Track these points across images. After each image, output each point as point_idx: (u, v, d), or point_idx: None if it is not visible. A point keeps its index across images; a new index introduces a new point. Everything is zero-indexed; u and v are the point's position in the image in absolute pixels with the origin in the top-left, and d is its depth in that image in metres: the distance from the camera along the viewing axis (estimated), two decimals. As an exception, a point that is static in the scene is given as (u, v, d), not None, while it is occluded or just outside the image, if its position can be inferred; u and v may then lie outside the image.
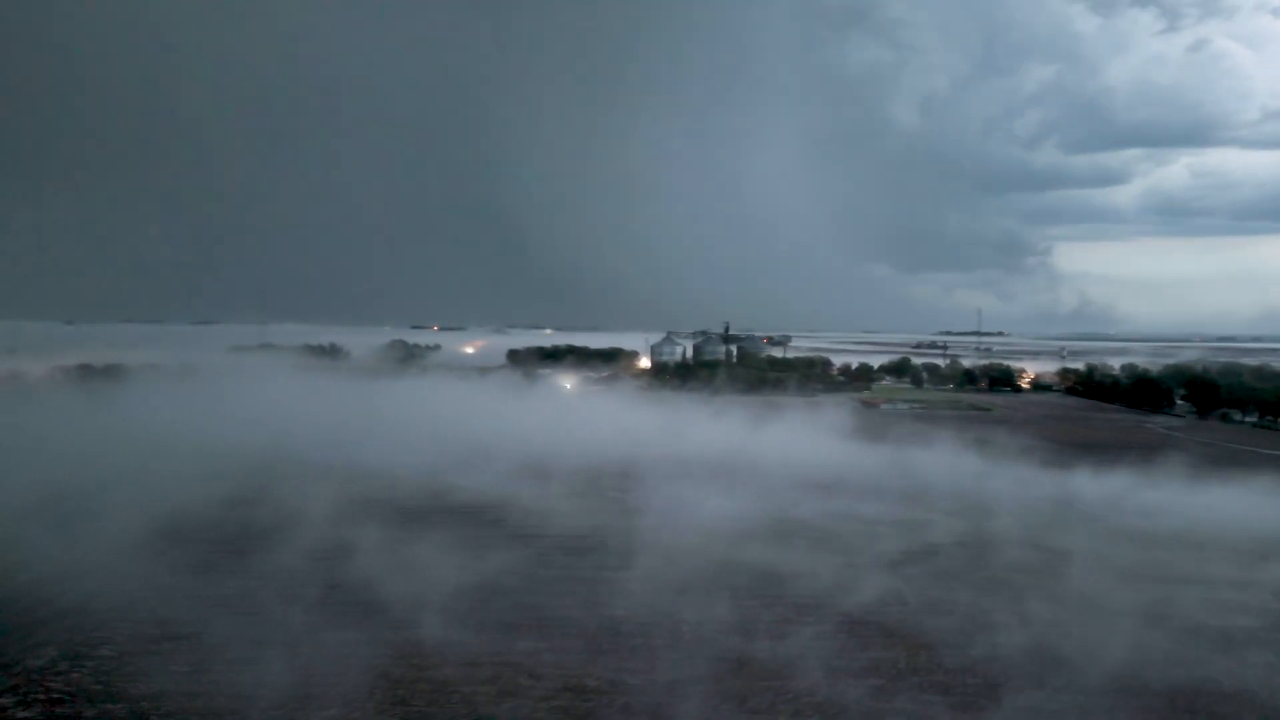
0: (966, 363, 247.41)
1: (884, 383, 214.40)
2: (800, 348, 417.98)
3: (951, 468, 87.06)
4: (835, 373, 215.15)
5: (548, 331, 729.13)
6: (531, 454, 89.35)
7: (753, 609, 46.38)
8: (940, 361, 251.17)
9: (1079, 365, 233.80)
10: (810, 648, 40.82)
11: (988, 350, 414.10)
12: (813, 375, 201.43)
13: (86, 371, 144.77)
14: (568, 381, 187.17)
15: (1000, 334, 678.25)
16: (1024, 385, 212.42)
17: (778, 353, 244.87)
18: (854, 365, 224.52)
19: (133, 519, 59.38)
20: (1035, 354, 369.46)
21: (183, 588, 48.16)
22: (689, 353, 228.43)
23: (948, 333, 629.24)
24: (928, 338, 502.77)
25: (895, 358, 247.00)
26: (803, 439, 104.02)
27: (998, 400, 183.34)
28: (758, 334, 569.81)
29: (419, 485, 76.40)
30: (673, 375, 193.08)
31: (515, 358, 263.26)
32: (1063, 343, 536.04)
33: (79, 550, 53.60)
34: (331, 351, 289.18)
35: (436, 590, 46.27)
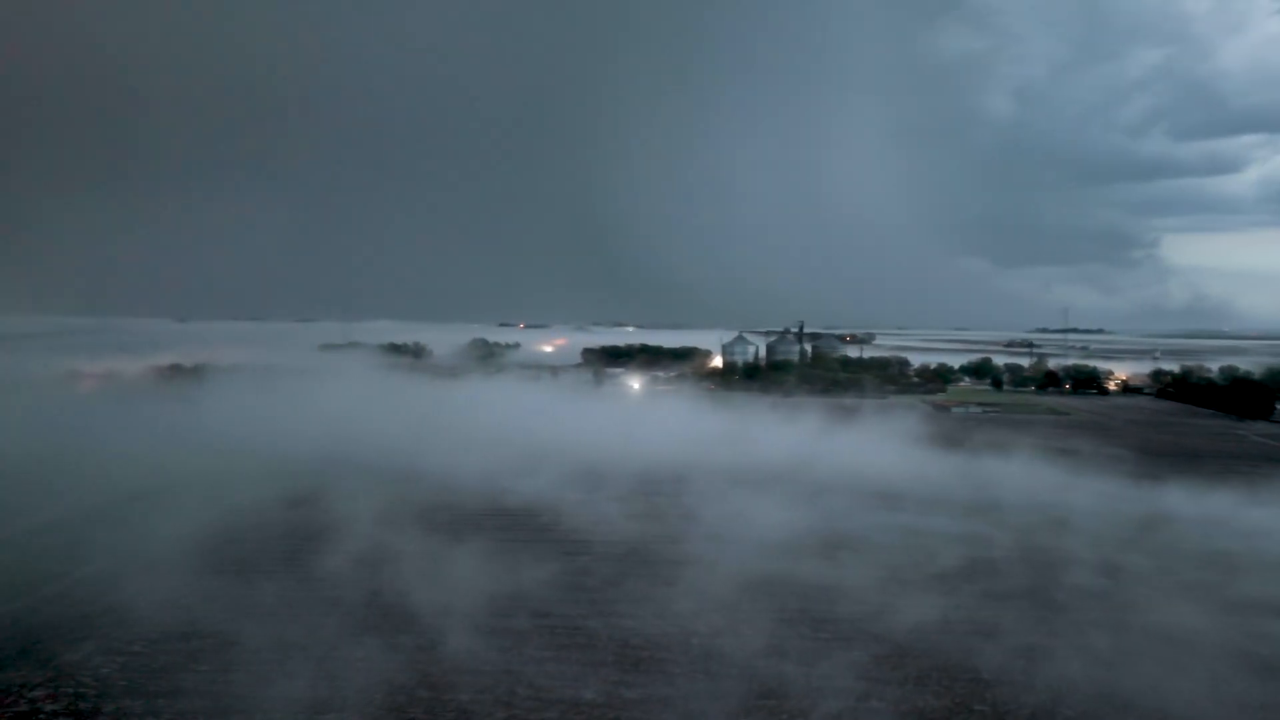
0: (1052, 363, 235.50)
1: (962, 384, 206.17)
2: (883, 346, 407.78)
3: (1017, 477, 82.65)
4: (912, 374, 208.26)
5: (629, 329, 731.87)
6: (590, 459, 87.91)
7: (788, 631, 44.36)
8: (1024, 361, 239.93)
9: (1174, 366, 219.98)
10: (840, 677, 38.74)
11: (1084, 349, 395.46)
12: (887, 376, 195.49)
13: (176, 371, 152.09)
14: (635, 381, 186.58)
15: (1099, 331, 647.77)
16: (1111, 387, 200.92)
17: (854, 352, 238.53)
18: (933, 366, 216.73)
19: (188, 520, 61.59)
20: (1137, 353, 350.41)
21: (224, 589, 49.30)
22: (761, 352, 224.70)
23: (1043, 330, 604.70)
24: (1021, 335, 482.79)
25: (977, 358, 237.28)
26: (866, 444, 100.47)
27: (1079, 404, 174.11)
28: (839, 331, 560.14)
29: (473, 490, 76.16)
30: (742, 376, 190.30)
31: (589, 357, 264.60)
32: (1169, 340, 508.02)
33: (134, 549, 55.56)
34: (415, 350, 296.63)
35: (462, 601, 45.98)
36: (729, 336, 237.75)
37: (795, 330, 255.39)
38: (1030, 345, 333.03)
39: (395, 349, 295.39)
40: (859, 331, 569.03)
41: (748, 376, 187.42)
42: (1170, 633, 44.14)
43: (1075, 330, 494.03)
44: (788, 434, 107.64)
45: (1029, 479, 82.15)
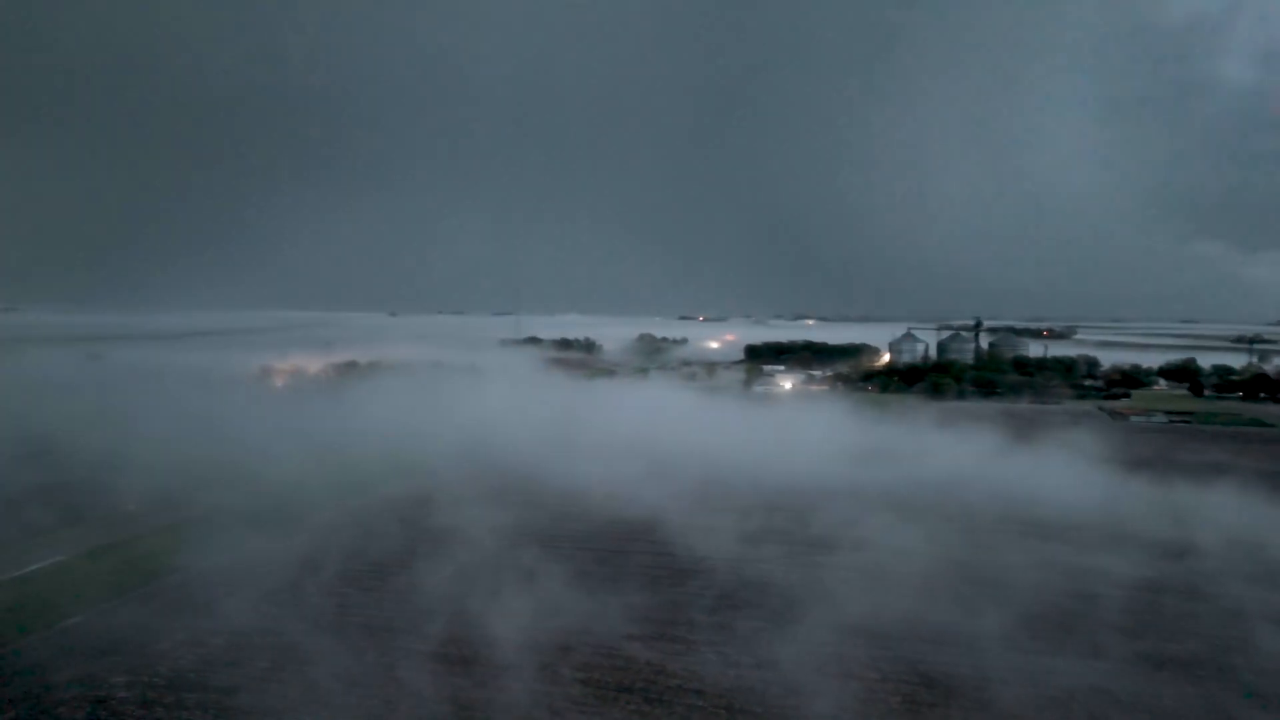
0: (1271, 365, 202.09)
1: (1156, 388, 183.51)
2: (1084, 341, 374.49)
3: (1187, 504, 72.41)
4: (1099, 375, 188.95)
5: (809, 323, 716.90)
6: (720, 470, 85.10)
7: (879, 689, 39.87)
8: (1239, 362, 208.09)
9: None
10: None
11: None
12: (1068, 379, 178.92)
13: (351, 368, 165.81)
14: (789, 382, 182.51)
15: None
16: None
17: (1040, 350, 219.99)
18: (1126, 366, 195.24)
19: (297, 521, 66.78)
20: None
21: (308, 588, 52.89)
22: (931, 351, 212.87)
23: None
24: (1256, 329, 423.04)
25: (1180, 357, 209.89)
26: (1019, 460, 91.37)
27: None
28: (1040, 324, 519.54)
29: (591, 499, 74.91)
30: (904, 376, 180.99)
31: (751, 353, 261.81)
32: None
33: (235, 547, 60.52)
34: (585, 345, 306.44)
35: (516, 636, 44.88)
36: (906, 332, 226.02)
37: (972, 326, 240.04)
38: (1258, 341, 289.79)
39: (567, 344, 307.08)
40: (1058, 325, 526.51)
41: (910, 378, 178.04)
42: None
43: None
44: (937, 447, 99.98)
45: (1196, 505, 72.18)
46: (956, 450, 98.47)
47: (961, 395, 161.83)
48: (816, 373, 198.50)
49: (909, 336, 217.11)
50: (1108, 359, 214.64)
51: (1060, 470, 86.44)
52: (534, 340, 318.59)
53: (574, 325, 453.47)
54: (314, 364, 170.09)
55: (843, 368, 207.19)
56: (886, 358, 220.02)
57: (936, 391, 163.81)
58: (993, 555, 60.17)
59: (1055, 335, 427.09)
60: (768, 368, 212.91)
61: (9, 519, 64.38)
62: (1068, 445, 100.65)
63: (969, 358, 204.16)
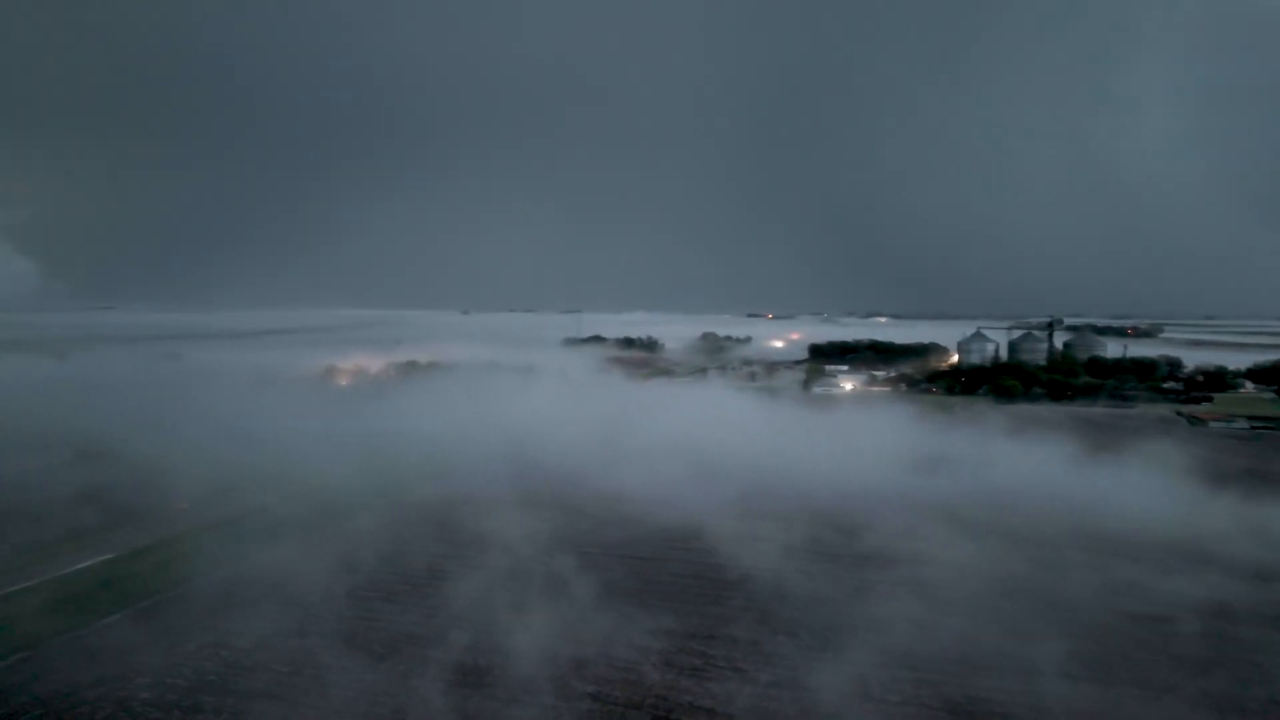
0: None
1: (1242, 390, 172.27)
2: (1171, 340, 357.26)
3: (1270, 521, 67.78)
4: (1182, 376, 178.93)
5: (881, 320, 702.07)
6: (766, 478, 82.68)
7: (901, 715, 37.90)
8: None
9: None
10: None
11: None
12: (1146, 380, 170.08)
13: (411, 368, 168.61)
14: (850, 383, 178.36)
15: None
16: None
17: (1119, 350, 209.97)
18: (1211, 368, 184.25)
19: (337, 522, 67.74)
20: None
21: (334, 594, 53.36)
22: (1002, 351, 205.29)
23: None
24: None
25: (1274, 358, 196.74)
26: (1088, 468, 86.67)
27: None
28: (1126, 322, 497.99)
29: (627, 507, 73.13)
30: (971, 378, 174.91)
31: (815, 353, 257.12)
32: None
33: (274, 551, 61.57)
34: (648, 344, 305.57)
35: (526, 645, 43.90)
36: (987, 329, 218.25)
37: (1046, 325, 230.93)
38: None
39: (629, 343, 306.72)
40: (1144, 323, 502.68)
41: (977, 380, 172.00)
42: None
43: None
44: (999, 454, 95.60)
45: (1265, 521, 67.60)
46: (1018, 457, 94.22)
47: (1031, 398, 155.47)
48: (879, 373, 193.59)
49: (978, 336, 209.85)
50: (1193, 359, 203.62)
51: (1131, 480, 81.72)
52: (597, 339, 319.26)
53: (640, 323, 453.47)
54: (376, 364, 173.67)
55: (907, 368, 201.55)
56: (955, 358, 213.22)
57: (1004, 394, 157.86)
58: (1054, 573, 56.90)
59: (1140, 333, 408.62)
60: (830, 368, 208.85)
61: (62, 518, 66.88)
62: (1139, 453, 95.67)
63: (1041, 358, 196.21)
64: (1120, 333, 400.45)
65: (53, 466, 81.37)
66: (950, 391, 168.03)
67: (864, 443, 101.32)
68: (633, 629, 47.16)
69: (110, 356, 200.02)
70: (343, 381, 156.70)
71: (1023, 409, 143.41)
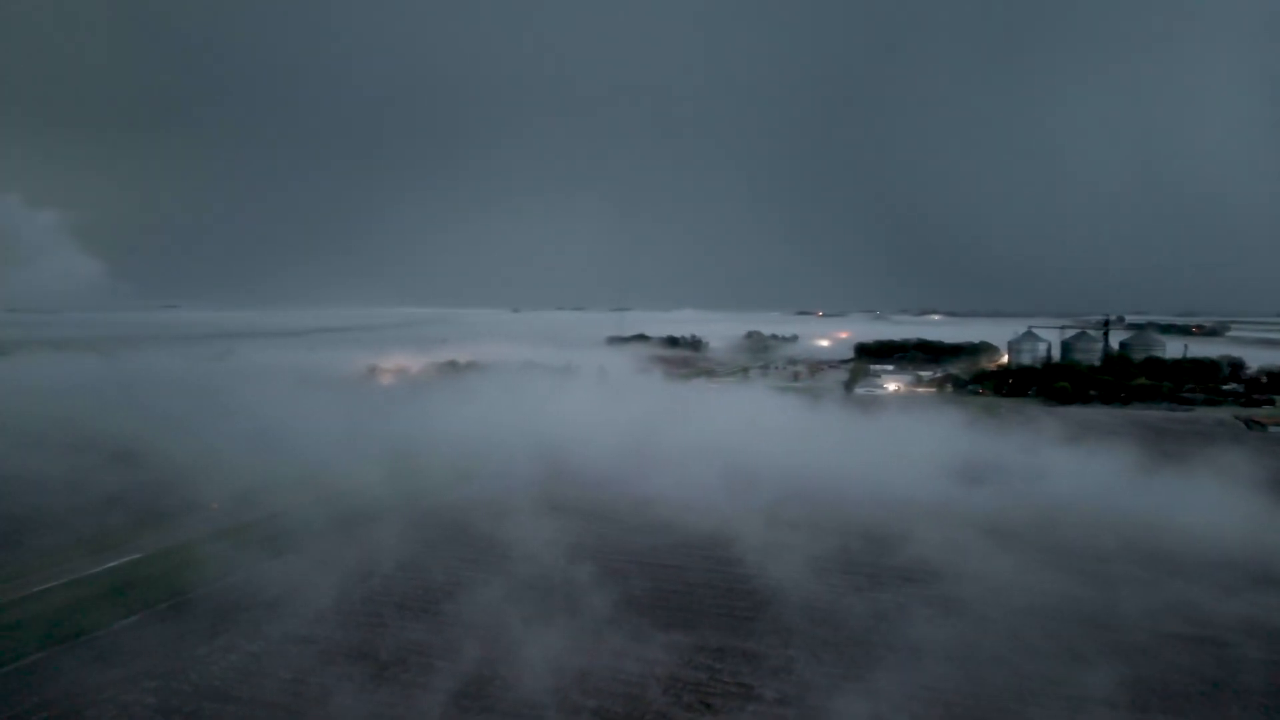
0: None
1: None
2: (1239, 339, 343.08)
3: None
4: (1245, 377, 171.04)
5: (935, 317, 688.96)
6: (800, 485, 79.63)
7: None
8: None
9: None
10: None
11: None
12: (1206, 381, 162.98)
13: (450, 368, 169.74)
14: (895, 384, 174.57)
15: None
16: None
17: (1178, 349, 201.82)
18: (1276, 368, 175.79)
19: (360, 525, 67.97)
20: None
21: (348, 600, 53.40)
22: (1055, 350, 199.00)
23: None
24: None
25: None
26: (1141, 476, 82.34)
27: None
28: (1192, 320, 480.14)
29: (654, 513, 71.34)
30: (1019, 379, 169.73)
31: (861, 352, 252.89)
32: None
33: (293, 555, 61.76)
34: (692, 343, 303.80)
35: (531, 661, 43.02)
36: (1041, 328, 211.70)
37: (1102, 323, 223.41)
38: None
39: (673, 342, 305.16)
40: (1208, 321, 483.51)
41: (1026, 381, 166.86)
42: None
43: None
44: (1045, 460, 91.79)
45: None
46: (1065, 464, 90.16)
47: (1082, 401, 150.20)
48: (925, 374, 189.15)
49: (1029, 335, 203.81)
50: (1259, 359, 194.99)
51: (1185, 490, 77.43)
52: (641, 338, 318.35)
53: (688, 321, 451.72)
54: (416, 363, 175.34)
55: (955, 368, 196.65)
56: (1004, 358, 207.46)
57: (1054, 397, 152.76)
58: (1104, 592, 53.47)
59: (1205, 332, 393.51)
60: (875, 367, 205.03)
61: (89, 519, 68.08)
62: (1194, 460, 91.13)
63: (1096, 359, 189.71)
64: (1184, 331, 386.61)
65: (85, 467, 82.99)
66: (998, 393, 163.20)
67: (903, 447, 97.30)
68: (645, 643, 46.01)
69: (158, 355, 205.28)
70: (383, 381, 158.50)
71: (1073, 412, 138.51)
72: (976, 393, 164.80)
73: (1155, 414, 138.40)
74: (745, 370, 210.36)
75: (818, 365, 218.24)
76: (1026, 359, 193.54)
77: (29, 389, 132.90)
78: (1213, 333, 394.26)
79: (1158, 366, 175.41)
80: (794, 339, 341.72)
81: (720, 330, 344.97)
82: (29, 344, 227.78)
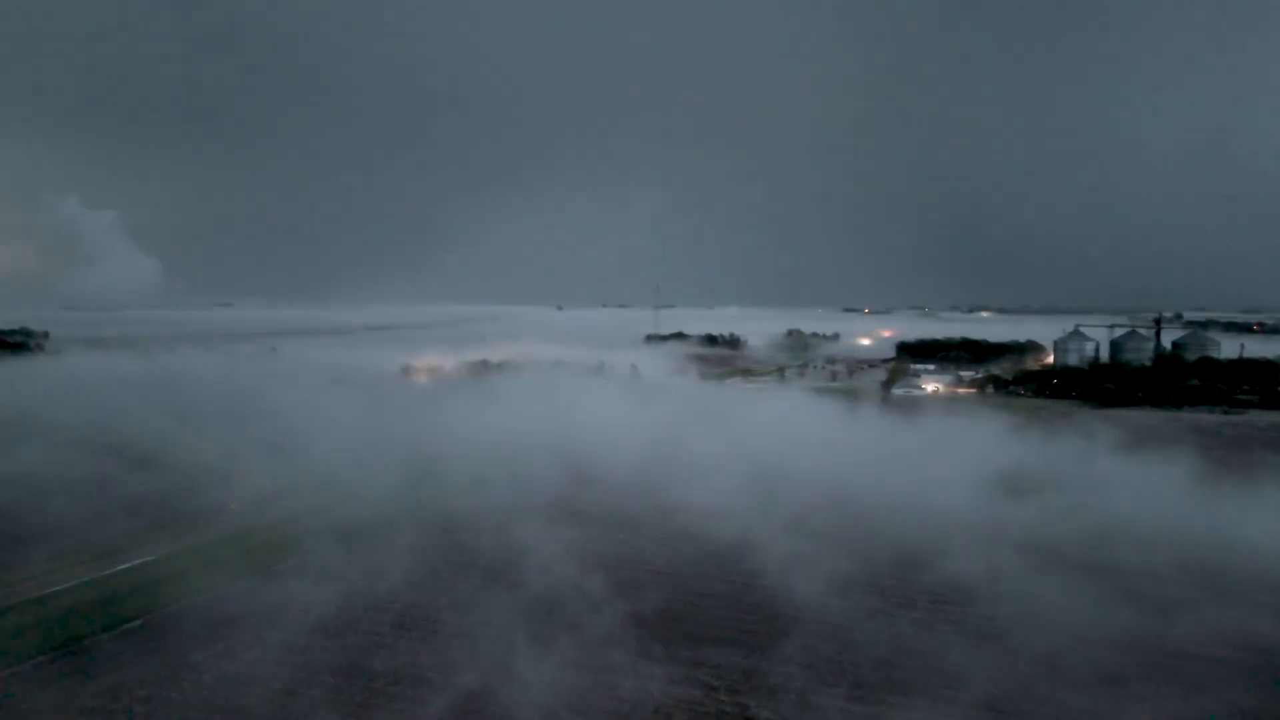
0: None
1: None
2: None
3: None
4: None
5: (984, 315, 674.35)
6: (830, 494, 76.26)
7: None
8: None
9: None
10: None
11: None
12: (1263, 383, 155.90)
13: (483, 367, 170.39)
14: (934, 384, 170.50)
15: None
16: None
17: (1234, 349, 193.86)
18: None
19: (373, 530, 67.88)
20: None
21: (350, 610, 53.10)
22: (1103, 350, 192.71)
23: None
24: None
25: None
26: (1189, 486, 78.11)
27: None
28: (1255, 318, 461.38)
29: (675, 522, 69.56)
30: (1063, 380, 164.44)
31: (904, 350, 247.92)
32: None
33: (301, 559, 61.66)
34: (730, 341, 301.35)
35: (526, 684, 43.25)
36: (1089, 326, 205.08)
37: (1153, 321, 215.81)
38: None
39: (712, 340, 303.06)
40: (1271, 318, 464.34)
41: (1070, 382, 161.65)
42: None
43: None
44: (1084, 468, 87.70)
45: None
46: (1113, 472, 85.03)
47: (1128, 403, 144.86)
48: (966, 374, 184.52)
49: (1076, 334, 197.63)
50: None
51: (1236, 503, 72.82)
52: (679, 336, 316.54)
53: (730, 319, 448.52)
54: (450, 362, 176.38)
55: (998, 368, 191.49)
56: (1050, 358, 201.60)
57: (1098, 399, 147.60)
58: (1160, 619, 49.28)
59: (1268, 330, 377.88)
60: (916, 366, 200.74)
61: (109, 520, 68.79)
62: (1259, 468, 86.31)
63: (1146, 358, 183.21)
64: (1246, 328, 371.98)
65: (111, 469, 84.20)
66: (1040, 394, 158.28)
67: (939, 453, 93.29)
68: (645, 661, 44.62)
69: (204, 354, 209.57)
70: (416, 380, 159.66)
71: (1118, 415, 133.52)
72: (1018, 394, 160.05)
73: (1206, 418, 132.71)
74: (782, 370, 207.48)
75: (857, 364, 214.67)
76: (1073, 359, 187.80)
77: (75, 389, 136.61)
78: (1275, 330, 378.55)
79: (1212, 367, 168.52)
80: (835, 337, 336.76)
81: (761, 328, 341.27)
82: (77, 343, 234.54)
